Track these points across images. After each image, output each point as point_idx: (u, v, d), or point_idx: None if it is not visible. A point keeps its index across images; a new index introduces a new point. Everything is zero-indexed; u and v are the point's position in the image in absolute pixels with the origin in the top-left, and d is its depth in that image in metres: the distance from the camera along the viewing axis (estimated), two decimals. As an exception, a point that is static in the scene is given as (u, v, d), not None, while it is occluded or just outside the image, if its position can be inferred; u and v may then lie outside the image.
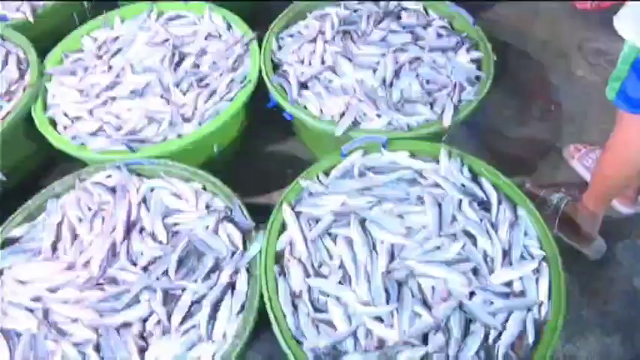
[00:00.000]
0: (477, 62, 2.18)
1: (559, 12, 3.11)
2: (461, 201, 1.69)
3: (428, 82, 2.10)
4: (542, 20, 3.08)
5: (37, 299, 1.56)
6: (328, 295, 1.53)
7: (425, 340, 1.44)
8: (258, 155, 2.43)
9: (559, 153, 2.39)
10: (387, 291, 1.50)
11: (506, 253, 1.59)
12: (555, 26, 3.04)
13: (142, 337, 1.50)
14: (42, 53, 2.28)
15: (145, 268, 1.61)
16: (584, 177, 2.27)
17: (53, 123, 2.07)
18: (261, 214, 1.72)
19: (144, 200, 1.78)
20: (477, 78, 2.10)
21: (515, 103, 2.62)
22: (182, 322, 1.50)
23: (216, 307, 1.52)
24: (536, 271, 1.56)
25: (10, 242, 1.72)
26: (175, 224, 1.73)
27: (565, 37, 2.97)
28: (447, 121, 1.90)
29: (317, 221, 1.68)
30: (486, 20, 3.03)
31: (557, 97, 2.67)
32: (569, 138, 2.45)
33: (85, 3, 2.69)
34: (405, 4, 2.43)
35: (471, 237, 1.61)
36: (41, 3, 2.50)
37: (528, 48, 2.92)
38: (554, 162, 2.38)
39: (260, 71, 2.14)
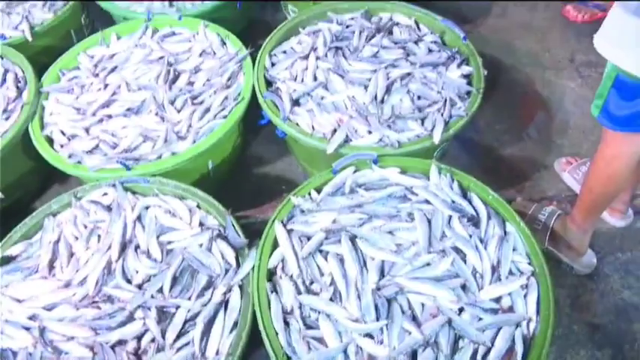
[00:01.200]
0: (468, 77, 2.21)
1: (550, 25, 3.15)
2: (450, 217, 1.71)
3: (419, 97, 2.13)
4: (533, 33, 3.10)
5: (33, 317, 1.59)
6: (319, 312, 1.55)
7: (414, 356, 1.46)
8: (252, 171, 2.45)
9: (550, 166, 2.41)
10: (376, 307, 1.52)
11: (495, 269, 1.61)
12: (546, 39, 3.06)
13: (137, 354, 1.52)
14: (39, 70, 2.32)
15: (139, 286, 1.64)
16: (575, 190, 2.28)
17: (50, 141, 2.10)
18: (255, 230, 1.74)
19: (139, 218, 1.80)
20: (468, 93, 2.13)
21: (507, 117, 2.64)
22: (176, 340, 1.53)
23: (209, 325, 1.54)
24: (525, 286, 1.58)
25: (7, 260, 1.75)
26: (170, 242, 1.75)
27: (556, 49, 3.00)
28: (437, 137, 1.92)
29: (308, 238, 1.70)
30: (477, 34, 3.07)
31: (548, 110, 2.68)
32: (561, 151, 2.47)
33: (83, 20, 2.73)
34: (397, 18, 2.47)
35: (461, 253, 1.64)
36: (39, 21, 2.54)
37: (519, 61, 2.94)
38: (545, 175, 2.39)
39: (254, 88, 2.17)
